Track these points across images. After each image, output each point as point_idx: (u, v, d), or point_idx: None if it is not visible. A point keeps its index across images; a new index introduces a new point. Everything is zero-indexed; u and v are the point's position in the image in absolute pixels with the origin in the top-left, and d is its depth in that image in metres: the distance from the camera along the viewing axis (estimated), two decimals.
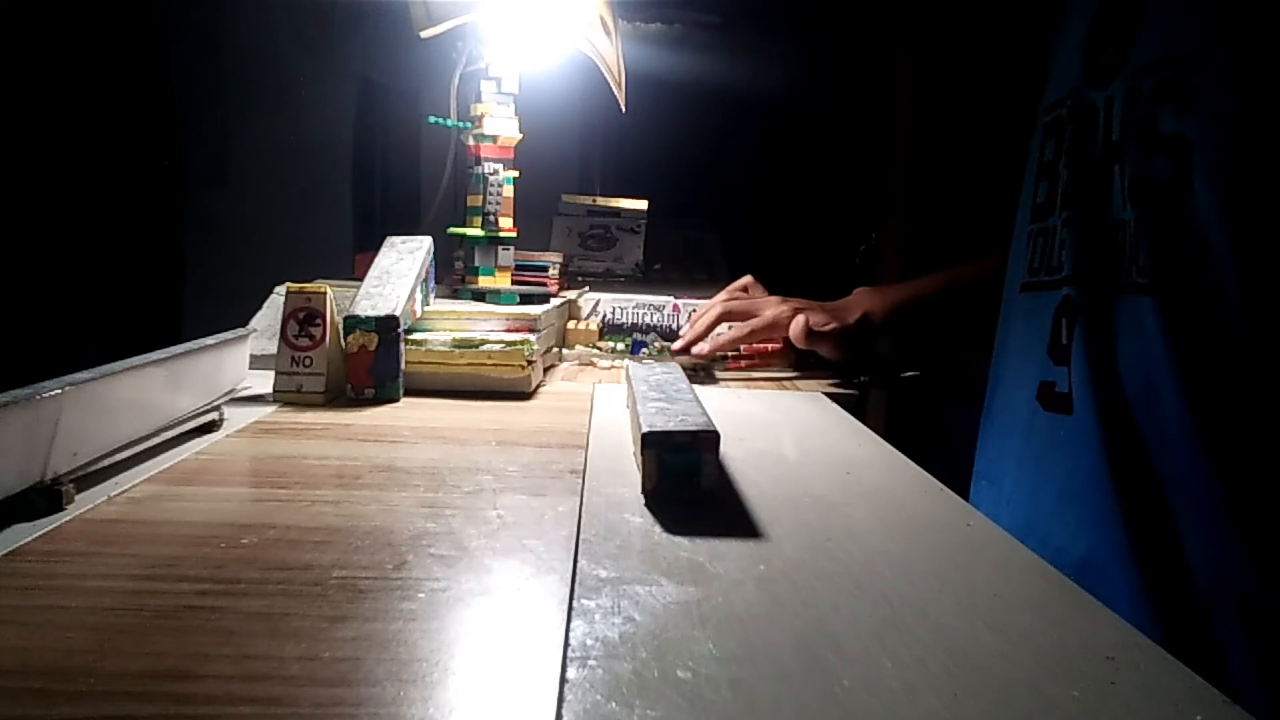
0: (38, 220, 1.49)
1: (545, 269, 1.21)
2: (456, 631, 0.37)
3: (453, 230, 1.03)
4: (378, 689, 0.32)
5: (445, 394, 0.84)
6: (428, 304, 0.92)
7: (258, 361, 0.86)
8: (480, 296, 0.99)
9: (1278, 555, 0.60)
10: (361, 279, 0.88)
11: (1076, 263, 0.73)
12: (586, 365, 1.08)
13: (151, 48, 1.76)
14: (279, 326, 0.79)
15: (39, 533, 0.46)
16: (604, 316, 1.18)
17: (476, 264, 1.01)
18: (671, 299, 1.18)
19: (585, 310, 1.19)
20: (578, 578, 0.42)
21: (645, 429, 0.54)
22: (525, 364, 0.85)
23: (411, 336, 0.86)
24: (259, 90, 1.90)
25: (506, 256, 1.03)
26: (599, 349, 1.12)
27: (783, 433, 0.77)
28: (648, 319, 1.18)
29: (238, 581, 0.41)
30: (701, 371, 1.05)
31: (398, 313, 0.81)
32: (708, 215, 1.99)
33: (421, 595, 0.40)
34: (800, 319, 1.01)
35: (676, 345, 1.06)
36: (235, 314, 0.95)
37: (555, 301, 1.06)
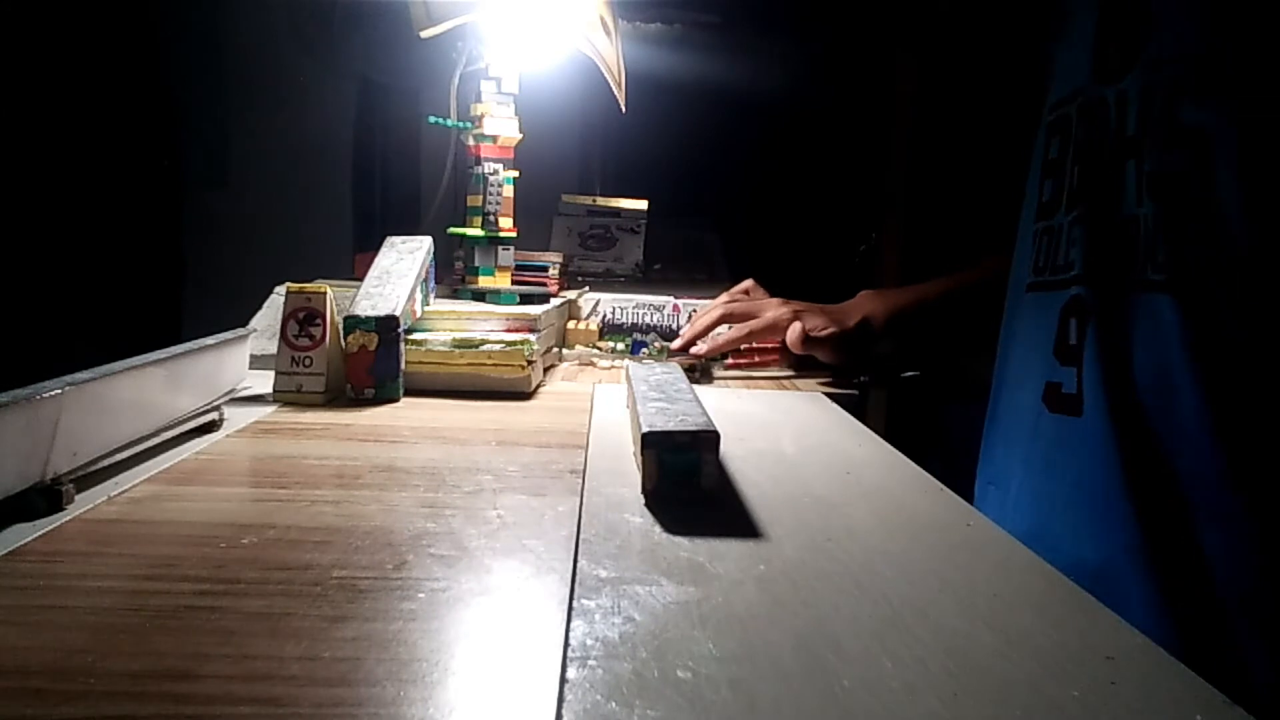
0: (38, 220, 1.49)
1: (545, 269, 1.21)
2: (456, 631, 0.37)
3: (453, 230, 1.03)
4: (378, 689, 0.32)
5: (445, 394, 0.84)
6: (428, 304, 0.92)
7: (258, 361, 0.86)
8: (480, 296, 0.99)
9: None
10: (361, 279, 0.88)
11: (1087, 261, 0.71)
12: (586, 365, 1.08)
13: (151, 48, 1.76)
14: (279, 326, 0.79)
15: (39, 533, 0.46)
16: (604, 316, 1.18)
17: (476, 264, 1.01)
18: (671, 299, 1.18)
19: (585, 310, 1.19)
20: (578, 578, 0.42)
21: (645, 429, 0.54)
22: (525, 364, 0.85)
23: (411, 336, 0.86)
24: (259, 90, 1.90)
25: (506, 256, 1.03)
26: (599, 349, 1.12)
27: (783, 433, 0.77)
28: (648, 319, 1.18)
29: (238, 581, 0.41)
30: (701, 372, 1.05)
31: (398, 313, 0.81)
32: (708, 215, 1.99)
33: (421, 595, 0.40)
34: (797, 325, 1.01)
35: (676, 344, 1.06)
36: (235, 314, 0.95)
37: (555, 301, 1.06)
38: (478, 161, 1.00)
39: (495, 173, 1.00)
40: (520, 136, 1.01)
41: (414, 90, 1.85)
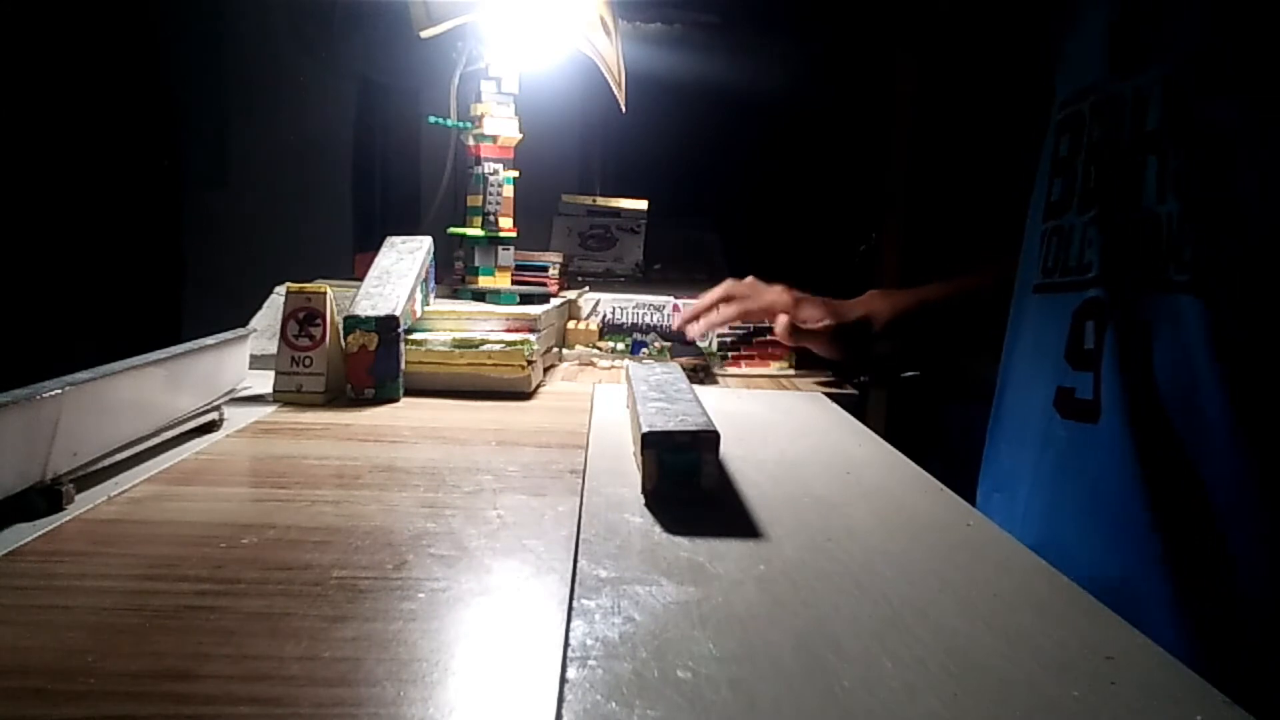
0: (38, 220, 1.49)
1: (545, 269, 1.21)
2: (456, 631, 0.37)
3: (453, 230, 1.03)
4: (378, 689, 0.32)
5: (445, 394, 0.84)
6: (428, 304, 0.92)
7: (258, 361, 0.86)
8: (480, 296, 0.99)
9: None
10: (361, 279, 0.88)
11: (1105, 262, 0.68)
12: (586, 365, 1.08)
13: (151, 48, 1.76)
14: (279, 326, 0.79)
15: (39, 533, 0.46)
16: (604, 316, 1.18)
17: (476, 264, 1.01)
18: (671, 299, 1.18)
19: (585, 310, 1.19)
20: (578, 578, 0.42)
21: (645, 429, 0.54)
22: (525, 364, 0.85)
23: (411, 336, 0.86)
24: (259, 90, 1.90)
25: (506, 256, 1.03)
26: (599, 349, 1.12)
27: (783, 433, 0.77)
28: (648, 319, 1.18)
29: (238, 581, 0.41)
30: (701, 371, 1.05)
31: (398, 313, 0.81)
32: (708, 215, 1.99)
33: (421, 595, 0.40)
34: (783, 318, 1.00)
35: (676, 321, 1.05)
36: (235, 314, 0.95)
37: (555, 301, 1.06)
38: (478, 161, 1.00)
39: (495, 173, 1.00)
40: (520, 136, 1.01)
41: (414, 90, 1.85)
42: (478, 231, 1.01)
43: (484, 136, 0.99)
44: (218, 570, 0.42)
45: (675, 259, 1.79)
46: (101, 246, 1.60)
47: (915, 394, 1.75)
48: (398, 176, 1.97)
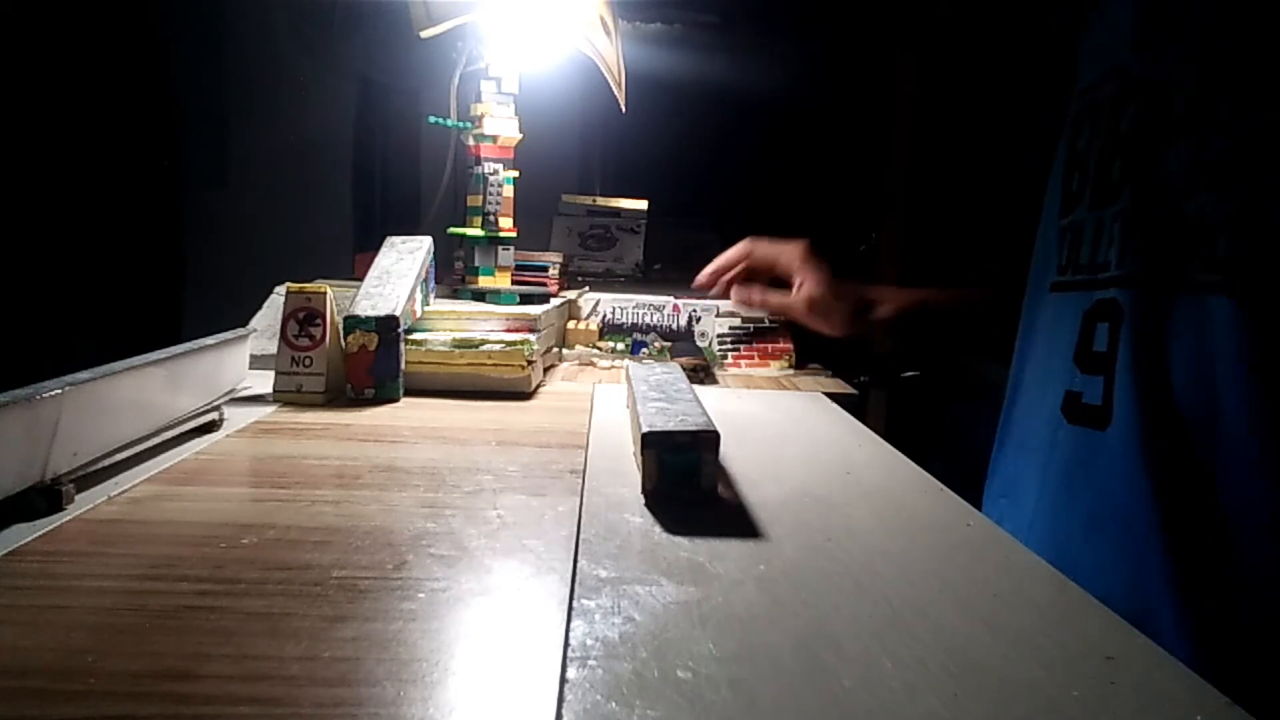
0: (38, 220, 1.49)
1: (545, 269, 1.21)
2: (456, 631, 0.37)
3: (453, 230, 1.03)
4: (378, 689, 0.32)
5: (445, 394, 0.84)
6: (428, 304, 0.92)
7: (258, 361, 0.86)
8: (480, 296, 0.99)
9: None
10: (361, 279, 0.88)
11: (1125, 259, 0.64)
12: (586, 365, 1.08)
13: (151, 48, 1.76)
14: (279, 326, 0.79)
15: (39, 533, 0.46)
16: (604, 316, 1.18)
17: (476, 264, 1.01)
18: (671, 299, 1.18)
19: (585, 310, 1.19)
20: (578, 578, 0.42)
21: (645, 429, 0.54)
22: (525, 364, 0.85)
23: (411, 336, 0.86)
24: (259, 90, 1.90)
25: (506, 256, 1.03)
26: (599, 349, 1.12)
27: (783, 433, 0.77)
28: (648, 319, 1.18)
29: (238, 581, 0.41)
30: (701, 371, 1.05)
31: (398, 313, 0.81)
32: (708, 215, 1.99)
33: (421, 595, 0.40)
34: (741, 290, 1.00)
35: (699, 279, 1.04)
36: (235, 314, 0.95)
37: (555, 301, 1.06)
38: (478, 161, 1.00)
39: (495, 173, 1.00)
40: (520, 136, 1.01)
41: (414, 90, 1.85)
42: (478, 231, 1.01)
43: (484, 136, 0.99)
44: (218, 570, 0.42)
45: (675, 259, 1.79)
46: (102, 246, 1.60)
47: (915, 394, 1.75)
48: (398, 176, 1.97)
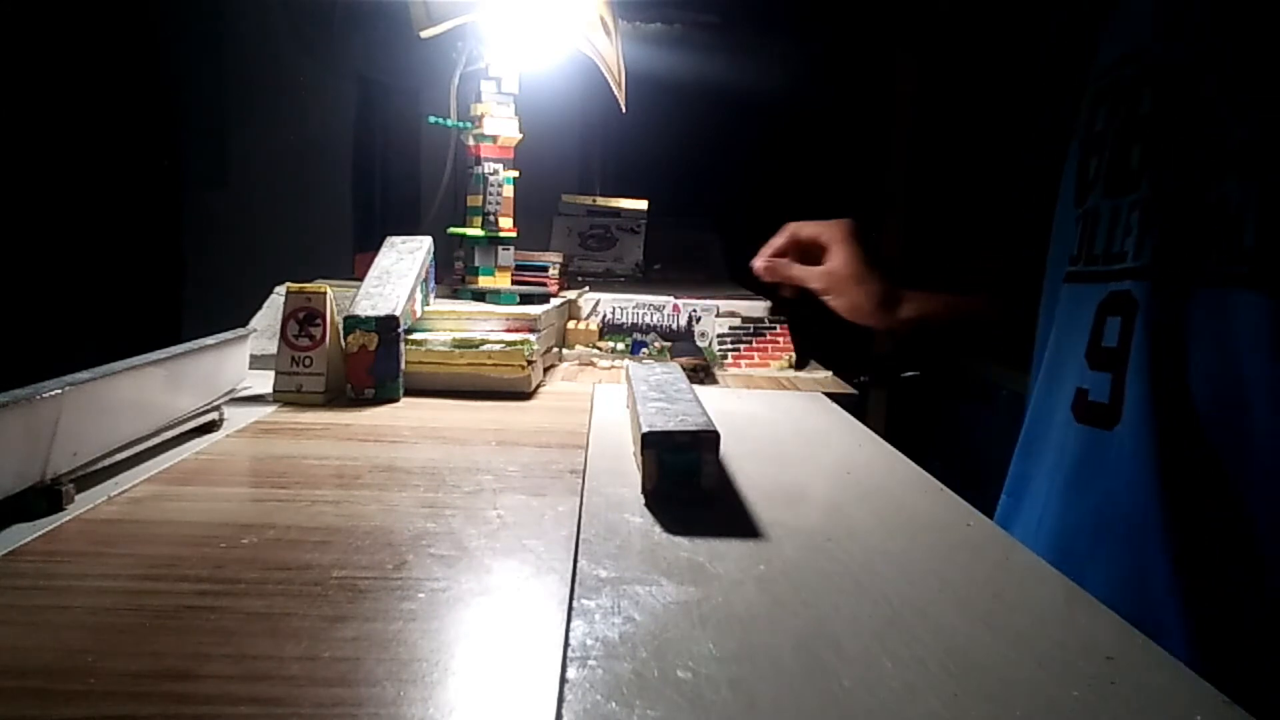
0: (38, 220, 1.49)
1: (545, 269, 1.21)
2: (456, 631, 0.37)
3: (453, 230, 1.03)
4: (378, 689, 0.32)
5: (445, 394, 0.84)
6: (428, 304, 0.92)
7: (258, 361, 0.86)
8: (480, 296, 0.99)
9: None
10: (361, 279, 0.88)
11: (1144, 249, 0.60)
12: (586, 365, 1.08)
13: (151, 48, 1.76)
14: (279, 326, 0.79)
15: (39, 533, 0.46)
16: (604, 316, 1.18)
17: (476, 264, 1.01)
18: (671, 299, 1.18)
19: (585, 310, 1.19)
20: (578, 578, 0.42)
21: (645, 429, 0.54)
22: (525, 364, 0.85)
23: (411, 336, 0.86)
24: (259, 90, 1.90)
25: (506, 256, 1.03)
26: (599, 349, 1.12)
27: (783, 433, 0.77)
28: (648, 319, 1.18)
29: (238, 581, 0.41)
30: (701, 371, 1.05)
31: (398, 313, 0.81)
32: (708, 215, 1.99)
33: (421, 595, 0.40)
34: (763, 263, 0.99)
35: (756, 263, 1.03)
36: (235, 314, 0.95)
37: (555, 301, 1.06)
38: (478, 161, 1.00)
39: (495, 173, 1.00)
40: (520, 136, 1.01)
41: (414, 90, 1.85)
42: (478, 231, 1.01)
43: (484, 136, 0.99)
44: (218, 570, 0.42)
45: (675, 259, 1.79)
46: (102, 246, 1.60)
47: (915, 394, 1.75)
48: (398, 176, 1.97)
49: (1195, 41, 0.59)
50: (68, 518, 0.48)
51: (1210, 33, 0.58)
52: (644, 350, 1.12)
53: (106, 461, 0.55)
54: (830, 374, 1.09)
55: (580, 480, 0.59)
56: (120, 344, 0.66)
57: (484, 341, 0.86)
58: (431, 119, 1.02)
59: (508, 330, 0.90)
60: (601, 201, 1.71)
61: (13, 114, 1.42)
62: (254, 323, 0.97)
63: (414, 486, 0.56)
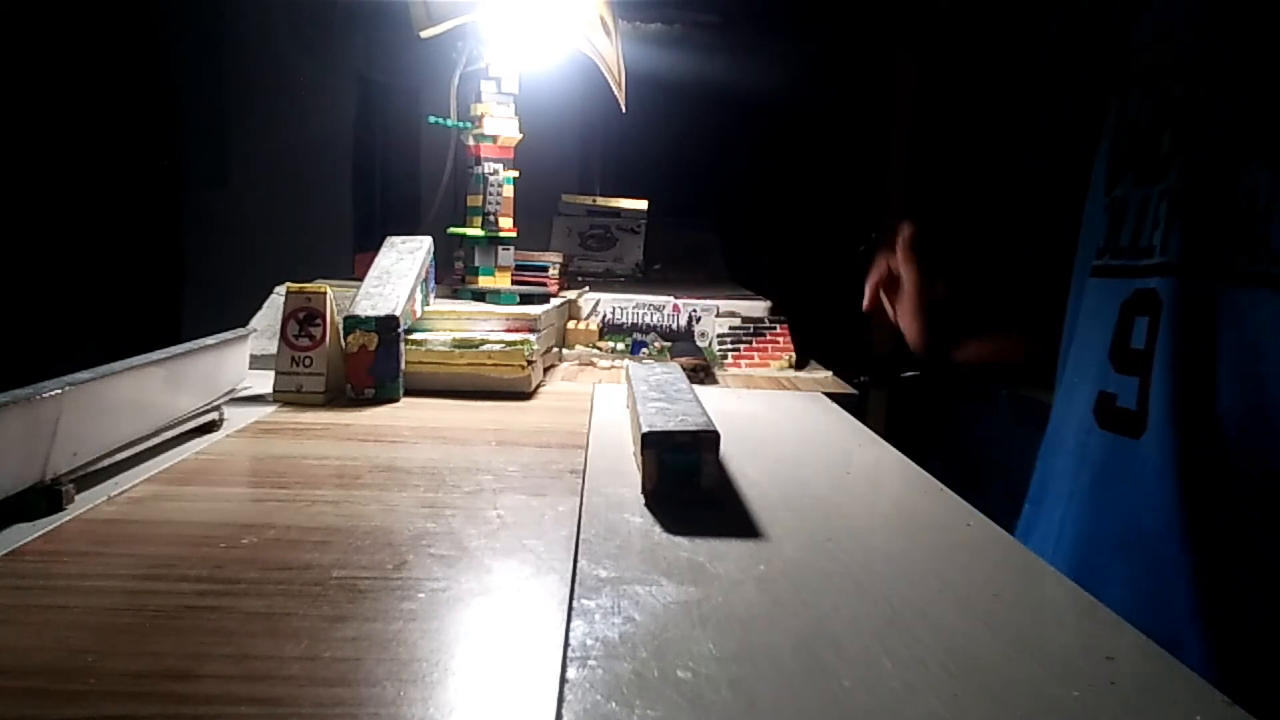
0: (38, 220, 1.49)
1: (545, 269, 1.21)
2: (456, 631, 0.37)
3: (453, 230, 1.03)
4: (378, 689, 0.32)
5: (445, 394, 0.84)
6: (428, 304, 0.92)
7: (258, 361, 0.86)
8: (480, 296, 0.99)
9: None
10: (361, 279, 0.88)
11: (1172, 244, 0.57)
12: (586, 365, 1.08)
13: (151, 48, 1.76)
14: (279, 326, 0.79)
15: (39, 533, 0.46)
16: (604, 316, 1.18)
17: (476, 264, 1.01)
18: (671, 299, 1.18)
19: (585, 310, 1.19)
20: (578, 578, 0.42)
21: (645, 429, 0.54)
22: (525, 364, 0.85)
23: (411, 336, 0.86)
24: (259, 90, 1.90)
25: (506, 256, 1.03)
26: (599, 349, 1.12)
27: (783, 433, 0.77)
28: (648, 319, 1.18)
29: (238, 581, 0.41)
30: (701, 371, 1.05)
31: (398, 313, 0.81)
32: (708, 215, 1.99)
33: (421, 595, 0.40)
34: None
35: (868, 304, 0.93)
36: (235, 314, 0.95)
37: (555, 301, 1.06)
38: (478, 161, 1.00)
39: (495, 173, 1.00)
40: (520, 136, 1.01)
41: (414, 90, 1.85)
42: (478, 231, 1.01)
43: (484, 136, 0.99)
44: (218, 570, 0.42)
45: (675, 259, 1.79)
46: (102, 246, 1.60)
47: (915, 394, 1.76)
48: (398, 176, 1.97)
49: (1229, 26, 0.56)
50: (68, 518, 0.48)
51: (1243, 19, 0.55)
52: (644, 350, 1.12)
53: (106, 461, 0.55)
54: (830, 374, 1.09)
55: (580, 480, 0.59)
56: (120, 344, 0.66)
57: (484, 341, 0.86)
58: (431, 119, 1.02)
59: (508, 330, 0.90)
60: (601, 201, 1.71)
61: (13, 114, 1.42)
62: (254, 323, 0.97)
63: (414, 486, 0.56)
